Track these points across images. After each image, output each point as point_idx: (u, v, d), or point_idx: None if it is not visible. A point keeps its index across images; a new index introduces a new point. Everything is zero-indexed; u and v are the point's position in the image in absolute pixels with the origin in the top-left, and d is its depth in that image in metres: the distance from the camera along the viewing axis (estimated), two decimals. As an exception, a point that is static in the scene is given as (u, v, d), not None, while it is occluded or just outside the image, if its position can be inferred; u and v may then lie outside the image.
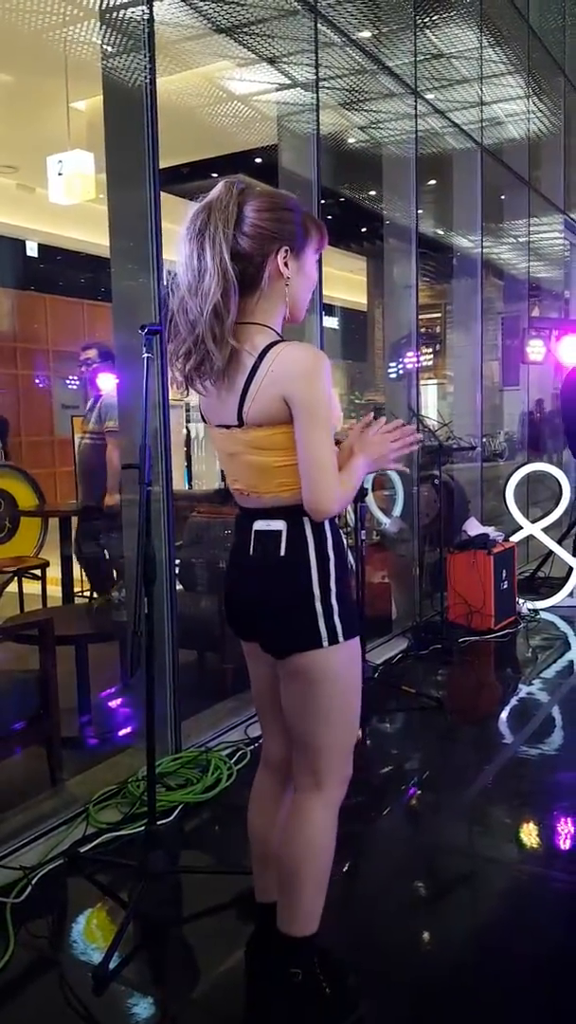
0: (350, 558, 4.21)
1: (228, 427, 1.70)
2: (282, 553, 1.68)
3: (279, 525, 1.69)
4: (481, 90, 6.29)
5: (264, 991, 1.89)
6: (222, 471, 1.85)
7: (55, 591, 5.55)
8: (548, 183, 8.13)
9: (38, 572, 5.40)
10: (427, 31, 5.51)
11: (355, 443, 1.77)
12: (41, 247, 11.58)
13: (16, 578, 5.35)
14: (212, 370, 1.64)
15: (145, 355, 2.16)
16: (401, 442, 1.79)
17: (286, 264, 1.67)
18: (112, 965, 2.00)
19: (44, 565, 5.46)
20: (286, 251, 1.67)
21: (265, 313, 1.69)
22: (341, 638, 1.69)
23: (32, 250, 11.61)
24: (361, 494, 4.18)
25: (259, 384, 1.61)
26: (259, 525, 1.72)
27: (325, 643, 1.67)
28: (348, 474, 1.69)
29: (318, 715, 1.71)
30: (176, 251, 1.66)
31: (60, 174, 6.45)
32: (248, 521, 1.75)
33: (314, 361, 1.60)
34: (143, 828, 2.39)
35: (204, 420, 1.80)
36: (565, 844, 2.66)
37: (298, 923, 1.76)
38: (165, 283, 1.70)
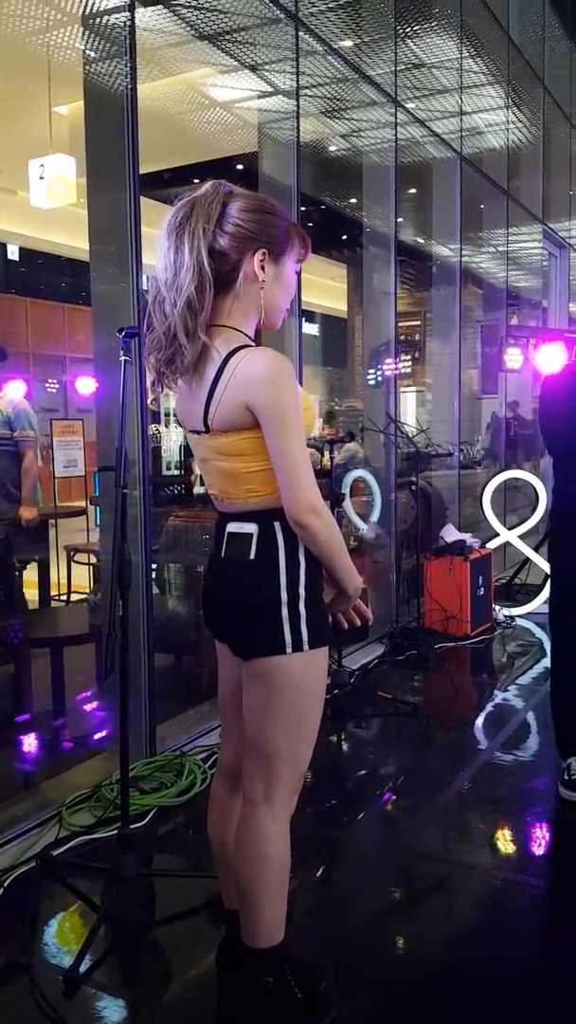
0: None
1: (198, 432, 1.70)
2: (252, 556, 1.68)
3: (251, 528, 1.68)
4: (461, 100, 6.35)
5: (235, 996, 1.89)
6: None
7: (32, 594, 5.53)
8: (527, 193, 8.20)
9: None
10: (408, 41, 5.55)
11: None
12: (22, 250, 11.56)
13: (-8, 582, 5.31)
14: (183, 365, 1.64)
15: (123, 358, 2.16)
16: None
17: (262, 267, 1.67)
18: (83, 968, 1.99)
19: (21, 568, 5.42)
20: (263, 253, 1.66)
21: (238, 316, 1.68)
22: (306, 646, 1.67)
23: (13, 253, 11.58)
24: (339, 500, 4.20)
25: (223, 389, 1.61)
26: (232, 527, 1.72)
27: (289, 649, 1.65)
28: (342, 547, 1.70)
29: (275, 721, 1.69)
30: (157, 245, 1.66)
31: (42, 178, 6.44)
32: (223, 524, 1.75)
33: (276, 366, 1.59)
34: (116, 832, 2.39)
35: (180, 424, 1.80)
36: (538, 850, 2.68)
37: (261, 935, 1.74)
38: (146, 285, 1.70)
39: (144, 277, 2.93)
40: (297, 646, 1.66)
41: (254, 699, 1.72)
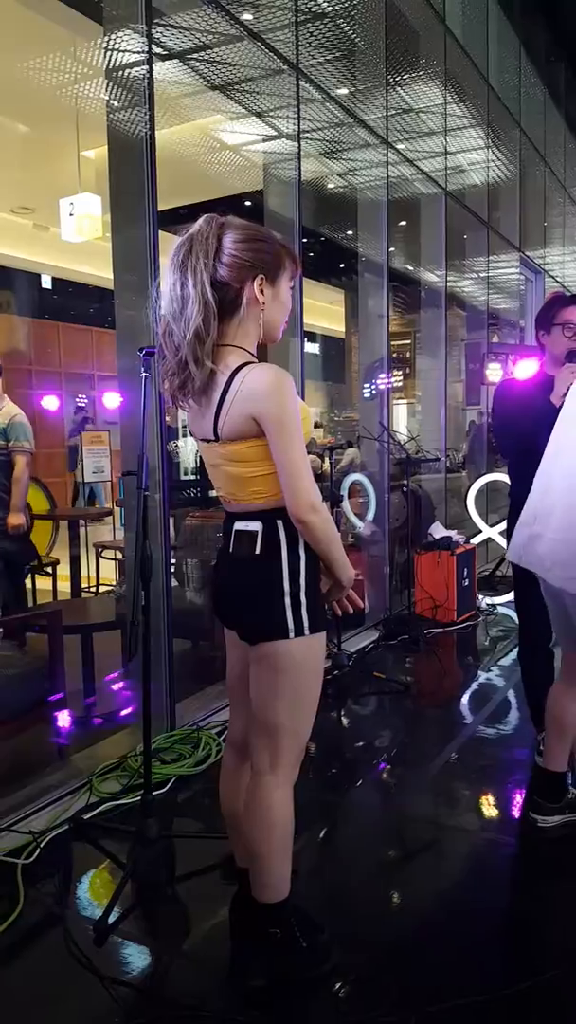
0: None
1: (208, 441, 1.70)
2: (257, 551, 1.68)
3: (255, 526, 1.69)
4: (446, 141, 6.33)
5: (247, 944, 1.89)
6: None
7: (65, 587, 5.55)
8: (506, 224, 8.18)
9: (49, 569, 5.39)
10: (398, 88, 5.55)
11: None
12: (54, 280, 11.58)
13: (30, 575, 5.33)
14: (194, 389, 1.64)
15: (143, 374, 2.17)
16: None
17: (261, 291, 1.66)
18: (111, 919, 2.00)
19: (55, 563, 5.44)
20: (261, 279, 1.66)
21: (242, 336, 1.68)
22: (307, 631, 1.68)
23: (47, 283, 11.60)
24: (337, 500, 4.20)
25: (230, 403, 1.61)
26: (238, 525, 1.72)
27: (292, 634, 1.66)
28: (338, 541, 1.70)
29: (279, 699, 1.70)
30: (162, 281, 1.66)
31: (71, 215, 6.46)
32: (231, 523, 1.76)
33: (277, 380, 1.59)
34: (140, 798, 2.39)
35: (191, 434, 1.80)
36: (518, 813, 2.66)
37: (269, 891, 1.76)
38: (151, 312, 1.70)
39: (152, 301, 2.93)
40: (299, 631, 1.67)
41: (260, 679, 1.72)
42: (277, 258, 1.69)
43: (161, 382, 1.70)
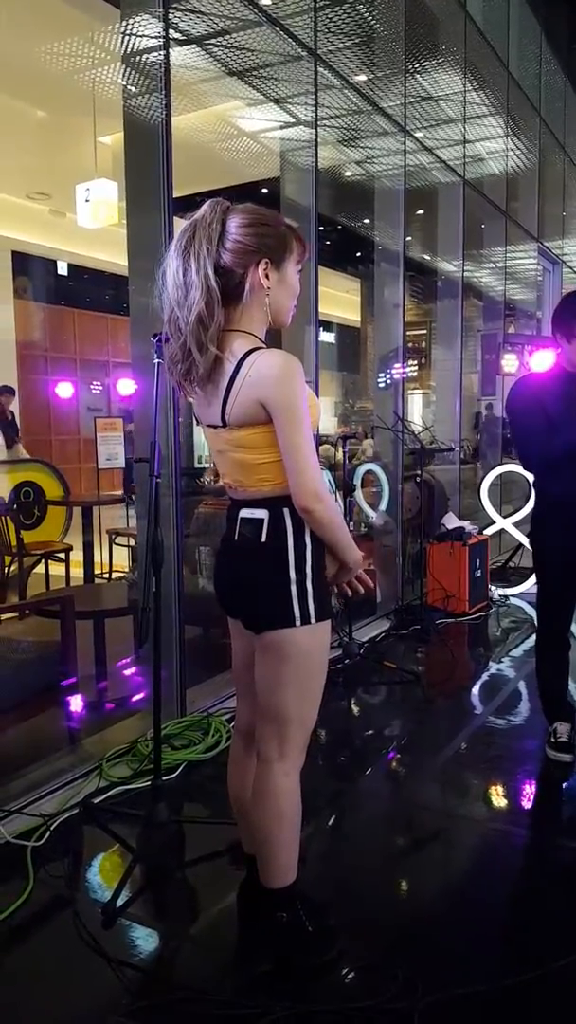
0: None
1: (215, 427, 1.69)
2: (263, 539, 1.67)
3: (262, 514, 1.68)
4: (464, 129, 6.27)
5: (253, 929, 1.90)
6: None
7: (78, 572, 5.57)
8: (524, 214, 8.10)
9: (62, 555, 5.41)
10: (417, 76, 5.49)
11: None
12: (70, 266, 11.56)
13: (43, 560, 5.36)
14: (198, 375, 1.62)
15: (156, 360, 2.16)
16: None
17: (267, 275, 1.64)
18: (120, 903, 2.01)
19: (68, 549, 5.47)
20: (266, 263, 1.64)
21: (249, 321, 1.67)
22: (313, 619, 1.67)
23: (62, 269, 11.59)
24: (350, 489, 4.19)
25: (238, 388, 1.59)
26: (244, 513, 1.71)
27: (298, 622, 1.66)
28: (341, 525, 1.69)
29: (285, 687, 1.69)
30: (166, 266, 1.63)
31: (87, 201, 6.44)
32: (236, 510, 1.74)
33: (287, 366, 1.57)
34: (150, 783, 2.40)
35: (198, 421, 1.79)
36: (527, 804, 2.66)
37: (277, 877, 1.76)
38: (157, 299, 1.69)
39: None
40: (305, 619, 1.66)
41: (266, 668, 1.72)
42: (282, 241, 1.66)
43: (167, 369, 1.69)
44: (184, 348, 1.61)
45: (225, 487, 1.78)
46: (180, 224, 3.01)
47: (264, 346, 1.65)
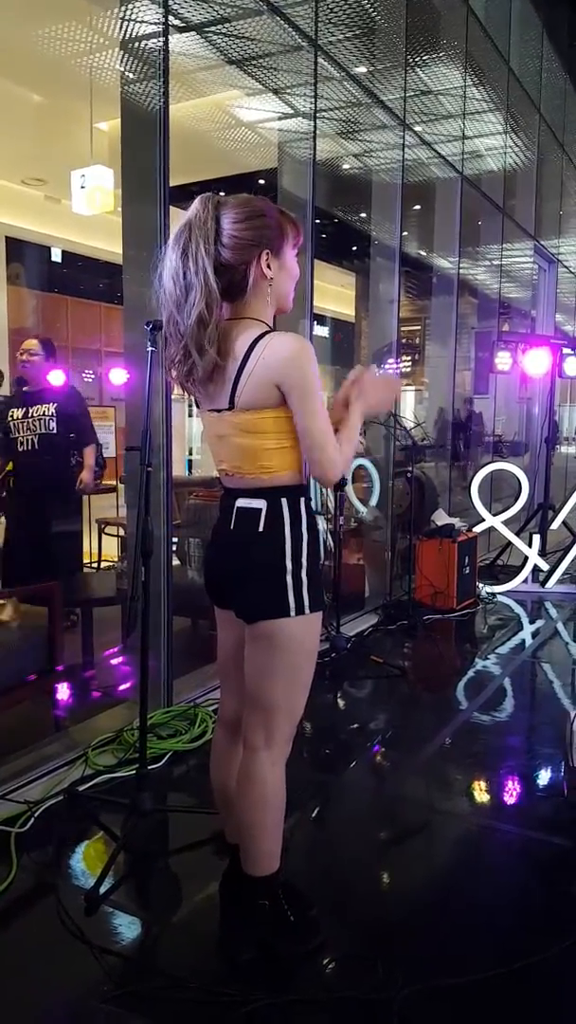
0: (329, 540, 4.24)
1: (219, 411, 1.69)
2: (260, 529, 1.68)
3: (259, 504, 1.69)
4: (464, 125, 6.27)
5: (236, 917, 1.91)
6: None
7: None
8: (521, 212, 8.11)
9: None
10: (417, 69, 5.48)
11: (351, 394, 1.76)
12: (64, 253, 11.50)
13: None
14: (200, 376, 1.63)
15: (149, 348, 2.16)
16: (394, 386, 1.81)
17: (268, 266, 1.66)
18: (103, 890, 2.02)
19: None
20: (267, 254, 1.65)
21: (257, 309, 1.68)
22: (307, 610, 1.68)
23: (56, 256, 11.52)
24: (341, 484, 4.20)
25: (251, 370, 1.60)
26: (241, 503, 1.72)
27: (292, 612, 1.67)
28: (347, 432, 1.70)
29: (276, 676, 1.71)
30: (164, 268, 1.63)
31: (83, 187, 6.39)
32: (231, 499, 1.75)
33: (301, 346, 1.60)
34: (135, 771, 2.41)
35: (197, 406, 1.79)
36: (511, 799, 2.69)
37: (260, 865, 1.77)
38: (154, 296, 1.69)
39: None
40: (299, 610, 1.67)
41: (257, 657, 1.72)
42: (279, 229, 1.67)
43: (168, 370, 1.69)
44: (184, 350, 1.61)
45: (221, 475, 1.79)
46: (177, 214, 3.02)
47: (273, 330, 1.66)
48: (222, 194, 1.67)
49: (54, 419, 4.20)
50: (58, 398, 4.25)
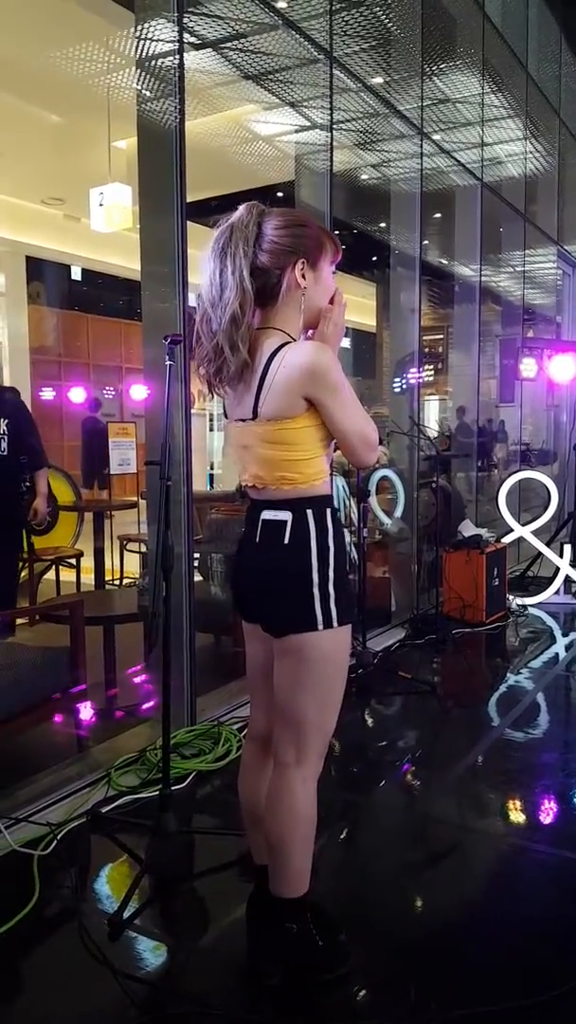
0: (353, 553, 4.21)
1: (244, 420, 1.70)
2: (286, 541, 1.67)
3: (285, 515, 1.68)
4: (483, 132, 6.27)
5: (263, 942, 1.88)
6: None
7: (89, 579, 5.59)
8: (543, 217, 8.08)
9: (73, 561, 5.43)
10: (434, 78, 5.50)
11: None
12: (84, 271, 11.66)
13: (54, 567, 5.38)
14: (229, 374, 1.66)
15: (168, 363, 2.17)
16: (340, 309, 1.77)
17: (303, 275, 1.68)
18: (127, 914, 2.00)
19: (79, 555, 5.49)
20: (303, 263, 1.68)
21: (284, 320, 1.70)
22: (335, 623, 1.67)
23: (76, 274, 11.69)
24: (364, 495, 4.18)
25: (271, 380, 1.62)
26: (266, 515, 1.71)
27: (320, 626, 1.65)
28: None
29: (306, 691, 1.69)
30: (202, 269, 1.67)
31: (101, 205, 6.49)
32: (257, 512, 1.74)
33: (321, 352, 1.61)
34: (158, 792, 2.39)
35: (226, 416, 1.81)
36: (546, 818, 2.63)
37: (289, 886, 1.75)
38: (192, 302, 1.72)
39: (192, 295, 2.92)
40: (327, 623, 1.66)
41: (287, 672, 1.71)
42: (318, 242, 1.71)
43: (196, 370, 1.72)
44: (216, 347, 1.64)
45: (246, 486, 1.78)
46: (195, 229, 3.04)
47: (294, 341, 1.68)
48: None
49: (5, 438, 3.78)
50: (8, 412, 3.81)
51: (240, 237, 1.63)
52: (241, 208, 1.67)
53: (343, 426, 1.65)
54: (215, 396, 1.76)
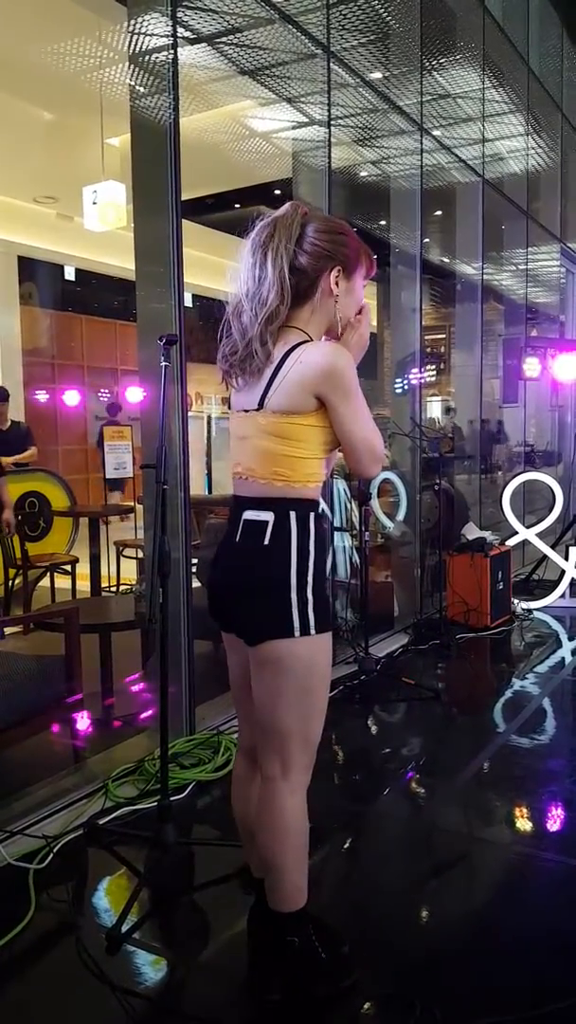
0: (355, 557, 4.21)
1: (248, 411, 1.71)
2: (266, 542, 1.67)
3: (267, 516, 1.68)
4: (483, 127, 6.28)
5: (264, 955, 1.88)
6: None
7: (84, 586, 5.59)
8: (546, 214, 8.10)
9: (68, 568, 5.43)
10: (434, 73, 5.51)
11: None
12: (78, 271, 11.65)
13: (48, 573, 5.38)
14: (253, 367, 1.68)
15: (163, 364, 2.17)
16: (367, 322, 1.81)
17: (336, 283, 1.71)
18: (125, 928, 2.00)
19: (74, 561, 5.49)
20: (338, 271, 1.71)
21: (307, 322, 1.73)
22: (313, 631, 1.66)
23: (70, 274, 11.68)
24: (366, 498, 4.18)
25: (285, 374, 1.64)
26: (248, 515, 1.71)
27: (296, 633, 1.64)
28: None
29: (286, 703, 1.68)
30: (240, 259, 1.70)
31: (95, 203, 6.48)
32: (239, 511, 1.74)
33: (338, 352, 1.64)
34: (157, 803, 2.39)
35: (231, 406, 1.82)
36: (553, 826, 2.63)
37: (285, 901, 1.74)
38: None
39: (187, 295, 2.93)
40: (304, 630, 1.65)
41: (263, 683, 1.70)
42: (356, 253, 1.74)
43: (220, 359, 1.74)
44: (244, 340, 1.67)
45: (234, 478, 1.78)
46: (189, 227, 3.04)
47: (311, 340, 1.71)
48: None
49: None
50: None
51: (283, 234, 1.66)
52: (286, 205, 1.72)
53: (351, 433, 1.65)
54: (228, 386, 1.78)
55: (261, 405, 1.67)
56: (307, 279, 1.69)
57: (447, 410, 7.05)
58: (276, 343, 1.67)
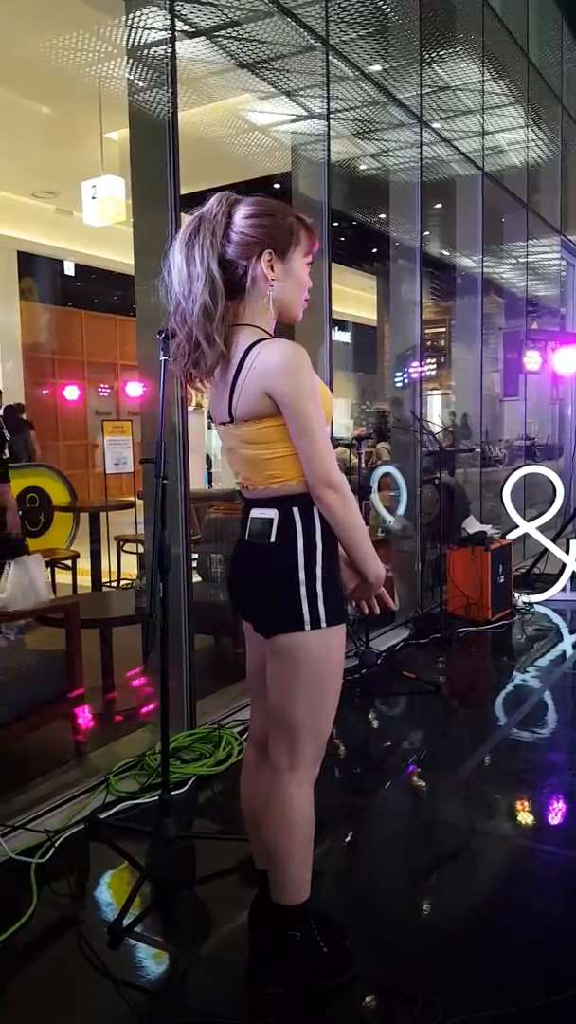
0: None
1: (224, 424, 1.71)
2: (272, 539, 1.67)
3: (271, 513, 1.68)
4: (483, 120, 6.26)
5: (266, 949, 1.88)
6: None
7: (85, 581, 5.59)
8: (546, 206, 8.08)
9: (69, 563, 5.44)
10: (433, 65, 5.49)
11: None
12: (78, 266, 11.64)
13: (49, 568, 5.38)
14: (207, 367, 1.65)
15: (162, 358, 2.17)
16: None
17: (271, 267, 1.66)
18: (127, 922, 2.00)
19: (74, 557, 5.49)
20: (270, 255, 1.65)
21: (256, 315, 1.68)
22: (324, 624, 1.65)
23: (69, 269, 11.67)
24: (366, 493, 4.18)
25: (243, 380, 1.61)
26: (254, 513, 1.72)
27: (307, 626, 1.64)
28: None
29: (297, 695, 1.68)
30: (170, 262, 1.66)
31: (94, 198, 6.48)
32: (247, 510, 1.75)
33: (292, 356, 1.58)
34: (158, 797, 2.39)
35: (211, 419, 1.81)
36: (554, 819, 2.63)
37: (288, 893, 1.74)
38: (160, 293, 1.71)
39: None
40: (315, 623, 1.65)
41: (277, 674, 1.71)
42: (287, 232, 1.68)
43: (172, 363, 1.72)
44: (191, 340, 1.64)
45: (240, 486, 1.79)
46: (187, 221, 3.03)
47: (269, 337, 1.66)
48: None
49: None
50: None
51: (208, 228, 1.62)
52: (212, 199, 1.66)
53: (298, 447, 1.59)
54: (195, 390, 1.75)
55: (231, 417, 1.66)
56: (239, 269, 1.64)
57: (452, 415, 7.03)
58: (232, 343, 1.64)
